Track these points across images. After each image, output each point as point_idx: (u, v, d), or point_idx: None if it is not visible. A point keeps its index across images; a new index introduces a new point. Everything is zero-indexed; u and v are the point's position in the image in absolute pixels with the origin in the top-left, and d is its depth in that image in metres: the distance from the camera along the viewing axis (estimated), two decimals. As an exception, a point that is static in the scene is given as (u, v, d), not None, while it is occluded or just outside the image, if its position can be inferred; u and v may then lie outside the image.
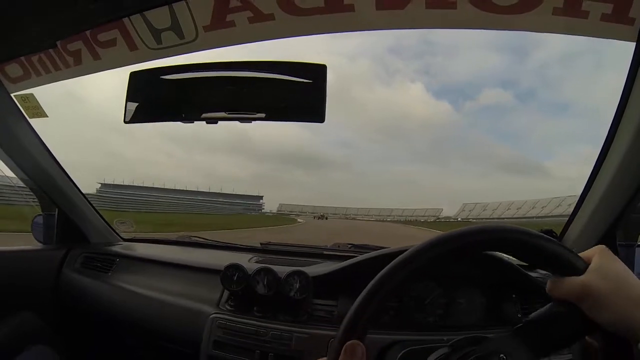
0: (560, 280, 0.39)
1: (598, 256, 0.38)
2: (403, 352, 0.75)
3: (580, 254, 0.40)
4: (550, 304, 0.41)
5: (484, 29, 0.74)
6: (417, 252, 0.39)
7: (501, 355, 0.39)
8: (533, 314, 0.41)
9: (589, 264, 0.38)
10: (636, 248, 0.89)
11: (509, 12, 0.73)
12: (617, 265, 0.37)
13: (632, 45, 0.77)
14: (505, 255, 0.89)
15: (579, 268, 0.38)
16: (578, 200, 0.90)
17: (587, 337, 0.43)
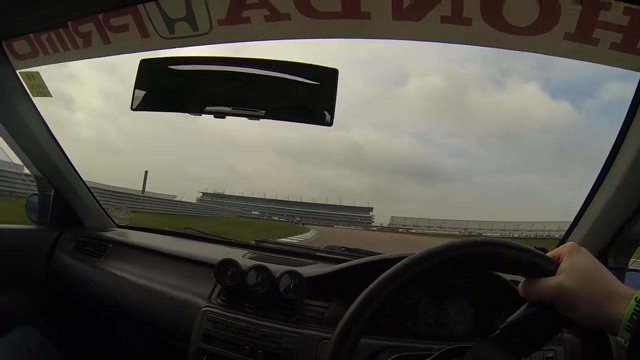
0: (533, 282, 0.39)
1: (568, 255, 0.39)
2: (392, 357, 0.77)
3: (549, 253, 0.41)
4: (524, 306, 0.42)
5: (496, 47, 0.75)
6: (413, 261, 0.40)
7: None
8: (509, 319, 0.42)
9: (560, 262, 0.39)
10: (626, 272, 0.90)
11: (522, 33, 0.74)
12: (588, 261, 0.38)
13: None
14: None
15: (550, 269, 0.39)
16: (571, 223, 0.92)
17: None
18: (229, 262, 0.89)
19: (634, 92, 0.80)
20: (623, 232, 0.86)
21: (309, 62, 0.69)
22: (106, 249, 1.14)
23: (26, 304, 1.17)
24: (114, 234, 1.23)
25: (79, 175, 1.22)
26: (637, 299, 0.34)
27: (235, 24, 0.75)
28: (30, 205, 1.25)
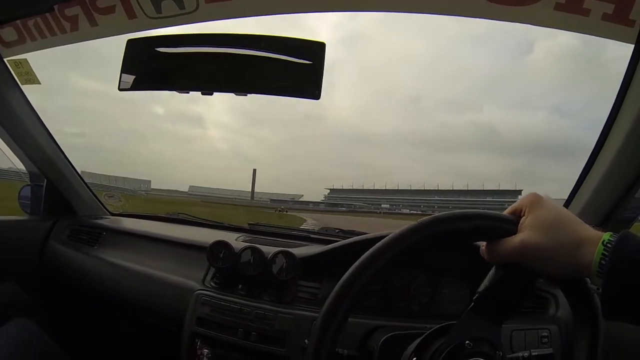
0: (496, 245, 0.38)
1: (529, 206, 0.37)
2: (386, 336, 0.77)
3: (508, 209, 0.39)
4: (491, 271, 0.41)
5: (486, 18, 0.75)
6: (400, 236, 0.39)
7: (467, 342, 0.39)
8: (479, 288, 0.41)
9: (521, 217, 0.37)
10: None
11: (512, 4, 0.74)
12: (551, 211, 0.36)
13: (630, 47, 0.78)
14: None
15: (510, 228, 0.38)
16: (568, 196, 0.92)
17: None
18: (221, 244, 0.89)
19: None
20: (616, 210, 0.86)
21: (296, 37, 0.69)
22: (100, 237, 1.14)
23: (22, 295, 1.18)
24: (108, 221, 1.24)
25: (71, 165, 1.22)
26: (604, 242, 0.32)
27: (222, 1, 0.75)
28: (22, 196, 1.25)
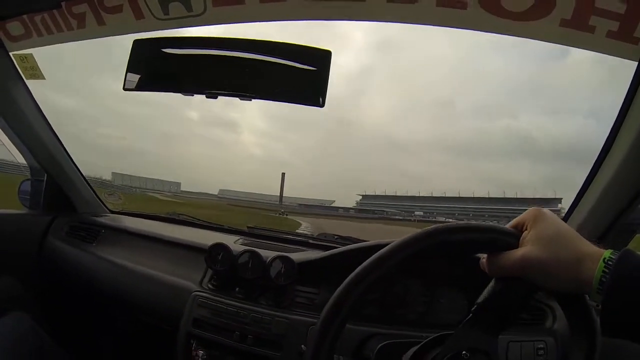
0: (496, 258, 0.38)
1: (532, 221, 0.37)
2: (382, 344, 0.77)
3: (511, 223, 0.40)
4: (491, 283, 0.41)
5: (491, 32, 0.76)
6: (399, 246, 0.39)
7: (463, 352, 0.40)
8: (478, 300, 0.41)
9: (523, 231, 0.38)
10: None
11: (517, 19, 0.75)
12: (553, 226, 0.37)
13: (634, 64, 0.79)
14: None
15: (512, 242, 0.38)
16: (569, 209, 0.93)
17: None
18: (220, 247, 0.90)
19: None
20: (619, 221, 0.86)
21: (304, 44, 0.69)
22: (99, 234, 1.14)
23: (19, 289, 1.18)
24: (107, 219, 1.24)
25: (72, 161, 1.23)
26: (605, 259, 0.32)
27: (230, 5, 0.75)
28: (22, 190, 1.26)
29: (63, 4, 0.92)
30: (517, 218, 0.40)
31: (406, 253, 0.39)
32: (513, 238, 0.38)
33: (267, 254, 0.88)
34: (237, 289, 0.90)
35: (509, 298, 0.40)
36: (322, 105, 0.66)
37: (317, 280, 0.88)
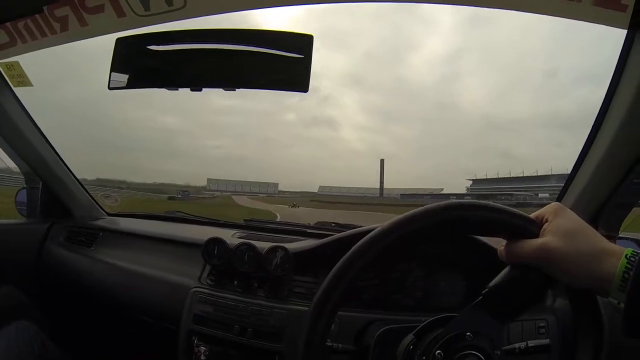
0: (516, 244, 0.39)
1: (552, 215, 0.38)
2: (382, 330, 0.78)
3: (532, 214, 0.40)
4: (506, 269, 0.41)
5: (477, 5, 0.75)
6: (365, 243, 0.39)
7: (467, 334, 0.40)
8: (490, 284, 0.41)
9: (543, 223, 0.38)
10: (617, 240, 0.91)
11: (501, -9, 0.75)
12: (573, 221, 0.37)
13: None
14: (486, 238, 0.92)
15: (534, 231, 0.38)
16: (561, 190, 0.93)
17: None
18: (215, 241, 0.91)
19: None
20: (613, 197, 0.86)
21: (285, 30, 0.70)
22: (97, 238, 1.16)
23: (20, 298, 1.20)
24: (105, 222, 1.26)
25: (67, 167, 1.25)
26: (628, 256, 0.33)
27: (210, -4, 0.76)
28: (19, 199, 1.28)
29: (45, 8, 0.93)
30: (537, 211, 0.40)
31: (435, 219, 0.39)
32: (535, 227, 0.38)
33: (263, 245, 0.89)
34: (235, 282, 0.91)
35: (523, 287, 0.40)
36: (306, 90, 0.67)
37: (315, 269, 0.89)
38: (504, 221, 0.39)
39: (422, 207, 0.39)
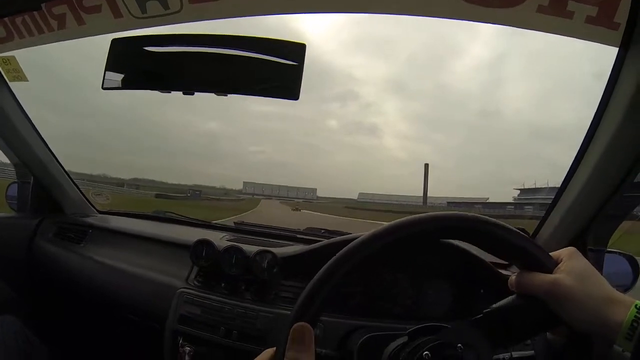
0: (529, 275, 0.40)
1: (567, 257, 0.40)
2: (365, 337, 0.79)
3: (549, 254, 0.41)
4: (513, 296, 0.42)
5: (469, 20, 0.78)
6: (370, 238, 0.39)
7: (459, 345, 0.40)
8: (493, 306, 0.42)
9: (558, 263, 0.39)
10: (605, 254, 0.93)
11: (494, 6, 0.77)
12: (586, 265, 0.39)
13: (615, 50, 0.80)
14: (474, 248, 0.93)
15: (549, 266, 0.39)
16: (551, 202, 0.95)
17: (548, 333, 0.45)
18: (204, 243, 0.93)
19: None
20: (600, 214, 0.88)
21: (278, 38, 0.72)
22: (86, 235, 1.18)
23: (8, 292, 1.21)
24: (95, 219, 1.28)
25: (59, 163, 1.26)
26: (638, 307, 0.34)
27: (206, 1, 0.78)
28: (10, 193, 1.29)
29: (43, 5, 0.95)
30: (554, 252, 0.42)
31: (468, 225, 0.39)
32: (552, 264, 0.39)
33: (251, 249, 0.91)
34: (222, 284, 0.93)
35: (525, 317, 0.40)
36: (296, 97, 0.69)
37: (302, 274, 0.91)
38: (525, 251, 0.40)
39: (450, 213, 0.40)
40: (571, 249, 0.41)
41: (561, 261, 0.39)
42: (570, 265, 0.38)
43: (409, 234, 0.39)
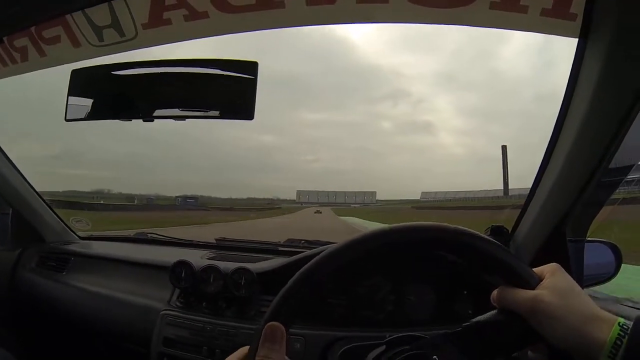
0: (511, 291, 0.40)
1: (550, 273, 0.40)
2: (345, 348, 0.82)
3: (533, 270, 0.42)
4: (493, 311, 0.43)
5: (420, 23, 0.80)
6: (348, 244, 0.41)
7: (434, 357, 0.41)
8: (473, 320, 0.43)
9: (542, 279, 0.40)
10: (585, 243, 0.94)
11: (445, 6, 0.79)
12: (569, 282, 0.40)
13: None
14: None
15: (532, 283, 0.40)
16: (528, 195, 0.96)
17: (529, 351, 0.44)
18: (182, 264, 0.96)
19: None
20: (577, 204, 0.90)
21: (229, 58, 0.75)
22: (68, 262, 1.21)
23: None
24: (76, 246, 1.31)
25: (35, 192, 1.30)
26: (621, 324, 0.34)
27: (158, 27, 0.81)
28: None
29: (5, 38, 0.99)
30: (536, 268, 0.42)
31: (425, 236, 0.41)
32: (535, 281, 0.40)
33: (228, 266, 0.94)
34: (203, 304, 0.96)
35: (505, 333, 0.41)
36: (251, 117, 0.72)
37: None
38: (508, 266, 0.41)
39: (431, 224, 0.41)
40: (554, 265, 0.41)
41: (544, 278, 0.40)
42: (552, 282, 0.39)
43: (391, 241, 0.41)
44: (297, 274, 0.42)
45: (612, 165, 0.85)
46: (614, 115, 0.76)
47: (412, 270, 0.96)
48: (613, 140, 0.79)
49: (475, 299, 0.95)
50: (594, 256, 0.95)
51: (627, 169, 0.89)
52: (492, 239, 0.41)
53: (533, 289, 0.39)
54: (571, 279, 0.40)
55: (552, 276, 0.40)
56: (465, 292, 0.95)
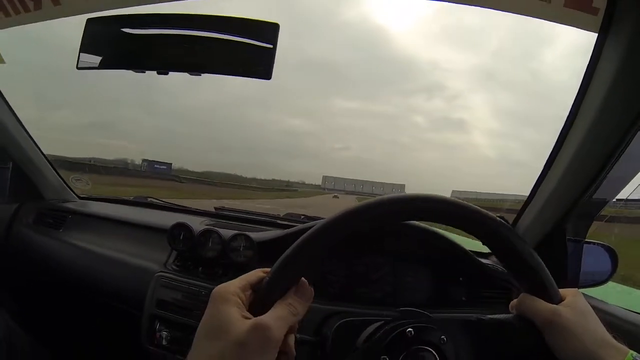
0: (532, 299, 0.42)
1: (572, 295, 0.43)
2: (340, 322, 0.83)
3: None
4: (510, 314, 0.44)
5: (450, 2, 0.81)
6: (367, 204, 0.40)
7: (442, 337, 0.42)
8: (489, 317, 0.44)
9: (563, 299, 0.42)
10: (584, 244, 0.96)
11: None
12: (589, 307, 0.42)
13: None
14: (455, 236, 0.97)
15: (554, 299, 0.41)
16: (531, 191, 0.98)
17: None
18: (181, 227, 0.97)
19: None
20: (579, 203, 0.91)
21: (251, 18, 0.75)
22: (65, 220, 1.22)
23: None
24: (75, 205, 1.32)
25: (38, 148, 1.30)
26: (634, 357, 0.36)
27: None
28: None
29: (19, -15, 0.98)
30: (560, 289, 0.44)
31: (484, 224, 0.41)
32: (557, 297, 0.42)
33: (228, 233, 0.95)
34: (200, 268, 0.96)
35: (516, 338, 0.42)
36: (269, 77, 0.72)
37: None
38: (540, 277, 0.42)
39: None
40: (575, 290, 0.43)
41: (566, 297, 0.42)
42: (573, 302, 0.41)
43: (399, 210, 0.41)
44: (307, 232, 0.41)
45: (620, 163, 0.87)
46: (627, 114, 0.77)
47: (412, 252, 0.98)
48: (623, 139, 0.80)
49: (469, 286, 0.97)
50: (590, 258, 0.97)
51: (636, 170, 0.91)
52: (531, 250, 0.41)
53: (556, 303, 0.41)
54: (589, 305, 0.42)
55: (574, 297, 0.42)
56: (460, 278, 0.97)
